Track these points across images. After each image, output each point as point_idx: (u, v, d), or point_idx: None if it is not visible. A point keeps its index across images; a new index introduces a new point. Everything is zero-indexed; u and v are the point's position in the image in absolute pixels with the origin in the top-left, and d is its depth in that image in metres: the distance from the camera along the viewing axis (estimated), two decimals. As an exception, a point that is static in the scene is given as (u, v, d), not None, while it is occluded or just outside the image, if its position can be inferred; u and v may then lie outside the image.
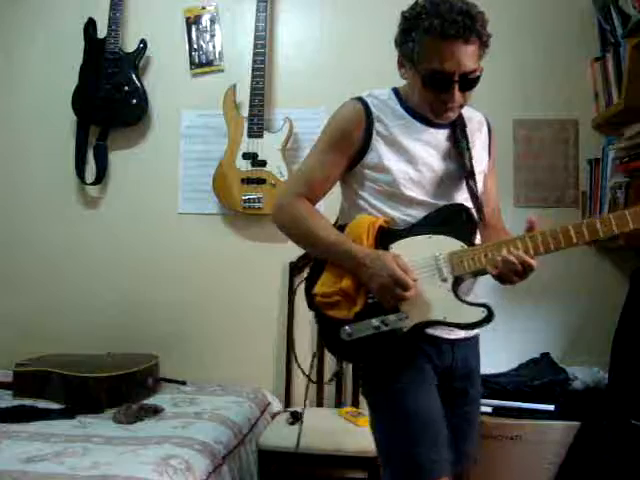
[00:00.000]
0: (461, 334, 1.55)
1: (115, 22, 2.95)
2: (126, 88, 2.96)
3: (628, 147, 2.42)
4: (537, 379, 2.46)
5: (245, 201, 2.84)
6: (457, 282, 1.48)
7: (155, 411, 2.39)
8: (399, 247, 1.50)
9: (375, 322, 1.46)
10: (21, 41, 3.15)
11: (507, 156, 2.77)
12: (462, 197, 1.57)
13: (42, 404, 2.47)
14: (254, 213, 2.85)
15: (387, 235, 1.51)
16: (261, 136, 2.84)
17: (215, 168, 2.88)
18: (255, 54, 2.84)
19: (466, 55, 1.43)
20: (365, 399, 1.64)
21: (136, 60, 2.98)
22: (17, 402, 2.49)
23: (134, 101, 2.97)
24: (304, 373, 1.97)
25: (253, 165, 2.84)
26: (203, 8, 3.01)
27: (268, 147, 2.83)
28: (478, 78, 1.48)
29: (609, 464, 2.12)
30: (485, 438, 2.33)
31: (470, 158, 1.57)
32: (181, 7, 3.01)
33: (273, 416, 2.70)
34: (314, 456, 2.30)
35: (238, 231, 2.98)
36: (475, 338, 1.66)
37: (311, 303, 1.56)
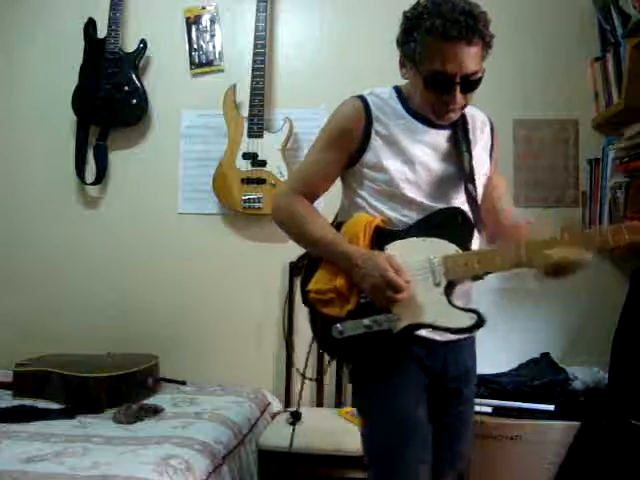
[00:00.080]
0: (453, 336, 1.55)
1: (115, 22, 2.95)
2: (126, 88, 2.96)
3: (628, 147, 2.42)
4: (537, 379, 2.46)
5: (245, 201, 2.84)
6: (450, 286, 1.48)
7: (155, 411, 2.39)
8: (394, 248, 1.50)
9: (366, 322, 1.46)
10: (21, 41, 3.15)
11: (507, 156, 2.76)
12: (460, 200, 1.56)
13: (42, 404, 2.47)
14: (254, 213, 2.85)
15: (383, 235, 1.51)
16: (261, 136, 2.84)
17: (215, 168, 2.88)
18: (255, 54, 2.84)
19: (469, 57, 1.41)
20: (354, 398, 1.65)
21: (136, 60, 2.97)
22: (17, 402, 2.49)
23: (134, 101, 2.97)
24: (299, 372, 1.97)
25: (253, 165, 2.84)
26: (203, 8, 3.01)
27: (268, 147, 2.83)
28: (480, 79, 1.47)
29: (609, 464, 2.12)
30: (485, 438, 2.33)
31: (470, 161, 1.56)
32: (181, 7, 3.01)
33: (273, 416, 2.70)
34: (314, 456, 2.30)
35: (238, 231, 2.98)
36: (471, 339, 1.65)
37: (305, 299, 1.57)
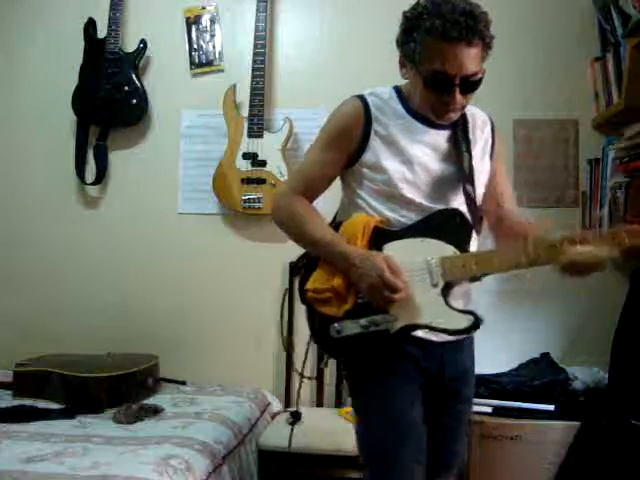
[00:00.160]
0: (450, 337, 1.54)
1: (115, 22, 2.95)
2: (126, 88, 2.96)
3: (628, 147, 2.42)
4: (537, 379, 2.46)
5: (245, 201, 2.84)
6: (448, 287, 1.48)
7: (155, 411, 2.39)
8: (393, 248, 1.50)
9: (364, 322, 1.47)
10: (21, 41, 3.15)
11: (507, 156, 2.76)
12: (459, 201, 1.55)
13: (42, 404, 2.47)
14: (254, 213, 2.85)
15: (382, 235, 1.51)
16: (261, 136, 2.84)
17: (215, 168, 2.88)
18: (255, 54, 2.84)
19: (469, 58, 1.40)
20: (351, 398, 1.65)
21: (136, 60, 2.97)
22: (17, 402, 2.49)
23: (134, 101, 2.97)
24: (298, 372, 1.97)
25: (253, 165, 2.84)
26: (203, 8, 3.01)
27: (268, 147, 2.83)
28: (480, 80, 1.46)
29: (609, 464, 2.12)
30: (485, 438, 2.34)
31: (470, 161, 1.55)
32: (181, 7, 3.01)
33: (273, 416, 2.70)
34: (314, 456, 2.30)
35: (238, 231, 2.98)
36: (469, 339, 1.65)
37: (303, 298, 1.58)
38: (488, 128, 1.65)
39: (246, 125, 2.85)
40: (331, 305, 1.51)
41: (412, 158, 1.52)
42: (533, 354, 2.70)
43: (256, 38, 2.85)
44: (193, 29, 3.01)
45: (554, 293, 2.69)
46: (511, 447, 2.34)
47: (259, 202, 2.82)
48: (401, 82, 1.58)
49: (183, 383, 2.83)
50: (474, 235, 1.54)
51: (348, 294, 1.50)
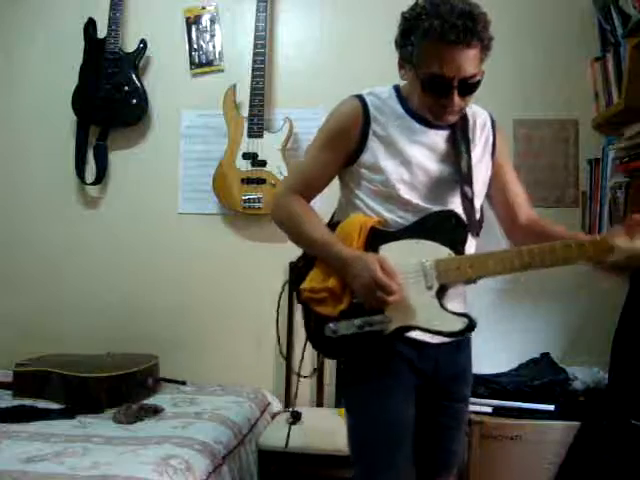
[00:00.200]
0: (445, 338, 1.54)
1: (115, 22, 2.95)
2: (126, 88, 2.96)
3: (628, 147, 2.41)
4: (537, 379, 2.46)
5: (245, 201, 2.84)
6: (442, 289, 1.48)
7: (155, 411, 2.39)
8: (388, 249, 1.50)
9: (358, 322, 1.47)
10: (21, 41, 3.15)
11: (510, 154, 2.76)
12: (456, 202, 1.54)
13: (42, 404, 2.47)
14: (254, 213, 2.85)
15: (378, 236, 1.51)
16: (261, 136, 2.84)
17: (215, 168, 2.88)
18: (255, 54, 2.84)
19: (467, 60, 1.39)
20: (344, 396, 1.66)
21: (136, 60, 2.97)
22: (17, 402, 2.49)
23: (134, 101, 2.97)
24: (295, 372, 1.98)
25: (253, 165, 2.84)
26: (203, 8, 3.01)
27: (268, 147, 2.83)
28: (479, 82, 1.45)
29: (609, 464, 2.12)
30: (485, 438, 2.33)
31: (469, 161, 1.54)
32: (181, 7, 3.01)
33: (273, 416, 2.70)
34: (314, 456, 2.30)
35: (238, 231, 2.98)
36: (465, 339, 1.64)
37: (299, 298, 1.58)
38: (488, 126, 1.63)
39: (246, 125, 2.85)
40: (326, 305, 1.51)
41: (410, 159, 1.51)
42: (533, 354, 2.70)
43: (256, 38, 2.85)
44: (193, 29, 3.01)
45: (554, 293, 2.69)
46: (511, 447, 2.34)
47: (259, 202, 2.82)
48: (401, 82, 1.58)
49: (183, 383, 2.83)
50: (470, 237, 1.53)
51: (343, 294, 1.50)
